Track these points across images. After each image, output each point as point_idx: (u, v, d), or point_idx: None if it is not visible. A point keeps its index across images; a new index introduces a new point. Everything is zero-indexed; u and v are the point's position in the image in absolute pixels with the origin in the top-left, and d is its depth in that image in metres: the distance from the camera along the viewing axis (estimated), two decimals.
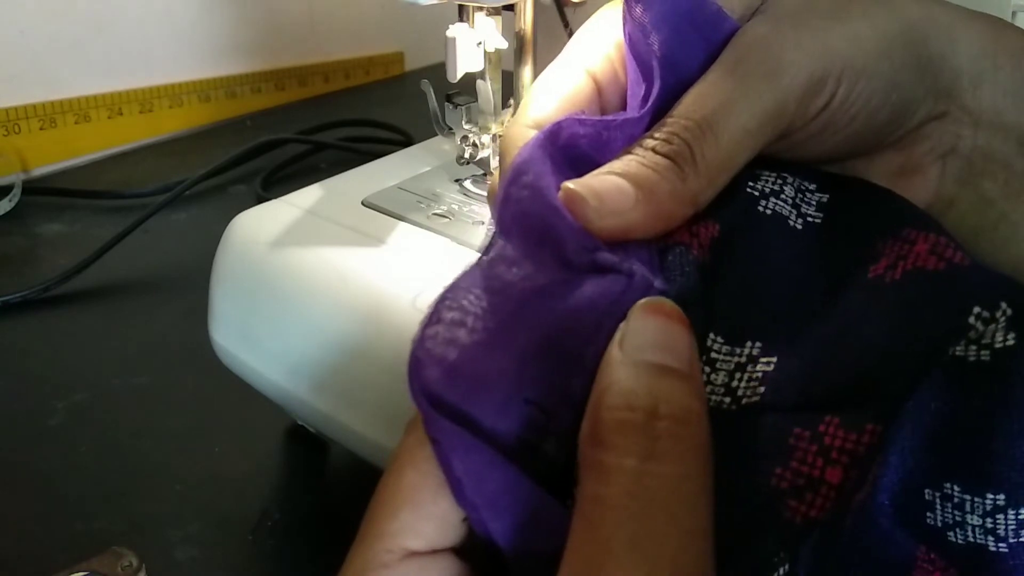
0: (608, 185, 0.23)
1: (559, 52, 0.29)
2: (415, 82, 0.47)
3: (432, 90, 0.44)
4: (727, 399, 0.23)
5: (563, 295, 0.22)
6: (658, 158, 0.24)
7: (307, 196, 0.43)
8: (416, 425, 0.21)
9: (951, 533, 0.21)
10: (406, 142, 0.78)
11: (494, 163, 0.44)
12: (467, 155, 0.44)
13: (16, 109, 0.75)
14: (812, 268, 0.25)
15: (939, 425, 0.21)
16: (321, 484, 0.44)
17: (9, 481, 0.43)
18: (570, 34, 0.52)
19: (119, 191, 0.73)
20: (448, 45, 0.40)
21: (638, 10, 0.26)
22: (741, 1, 0.27)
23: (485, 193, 0.44)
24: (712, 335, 0.24)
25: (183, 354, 0.52)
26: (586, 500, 0.19)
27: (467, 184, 0.45)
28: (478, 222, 0.41)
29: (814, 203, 0.27)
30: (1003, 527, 0.20)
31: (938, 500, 0.21)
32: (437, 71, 0.41)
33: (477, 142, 0.43)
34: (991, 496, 0.20)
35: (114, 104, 0.82)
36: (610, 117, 0.26)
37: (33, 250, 0.66)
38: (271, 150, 0.78)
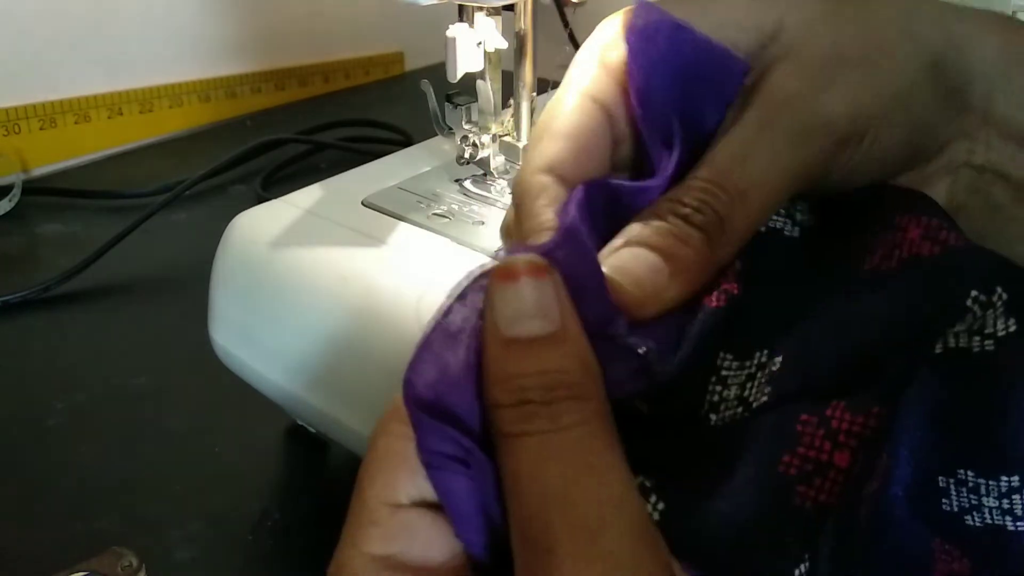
0: (643, 266, 0.23)
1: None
2: (415, 82, 0.47)
3: (432, 90, 0.44)
4: (740, 408, 0.23)
5: None
6: (691, 230, 0.23)
7: (307, 196, 0.43)
8: (393, 414, 0.22)
9: (968, 517, 0.22)
10: (406, 142, 0.78)
11: (494, 163, 0.44)
12: (467, 155, 0.44)
13: (16, 109, 0.75)
14: (810, 269, 0.25)
15: (947, 415, 0.22)
16: (321, 484, 0.44)
17: (9, 481, 0.43)
18: (570, 34, 0.53)
19: (119, 191, 0.73)
20: (448, 45, 0.40)
21: (643, 58, 0.25)
22: (749, 33, 0.26)
23: (485, 193, 0.44)
24: (722, 354, 0.24)
25: (183, 354, 0.52)
26: (507, 478, 0.19)
27: (467, 184, 0.45)
28: (478, 222, 0.41)
29: (806, 207, 0.27)
30: (1020, 507, 0.21)
31: (953, 486, 0.22)
32: (437, 71, 0.41)
33: (477, 142, 0.43)
34: (1005, 479, 0.21)
35: (114, 104, 0.81)
36: (634, 185, 0.25)
37: (33, 250, 0.66)
38: (271, 150, 0.78)
